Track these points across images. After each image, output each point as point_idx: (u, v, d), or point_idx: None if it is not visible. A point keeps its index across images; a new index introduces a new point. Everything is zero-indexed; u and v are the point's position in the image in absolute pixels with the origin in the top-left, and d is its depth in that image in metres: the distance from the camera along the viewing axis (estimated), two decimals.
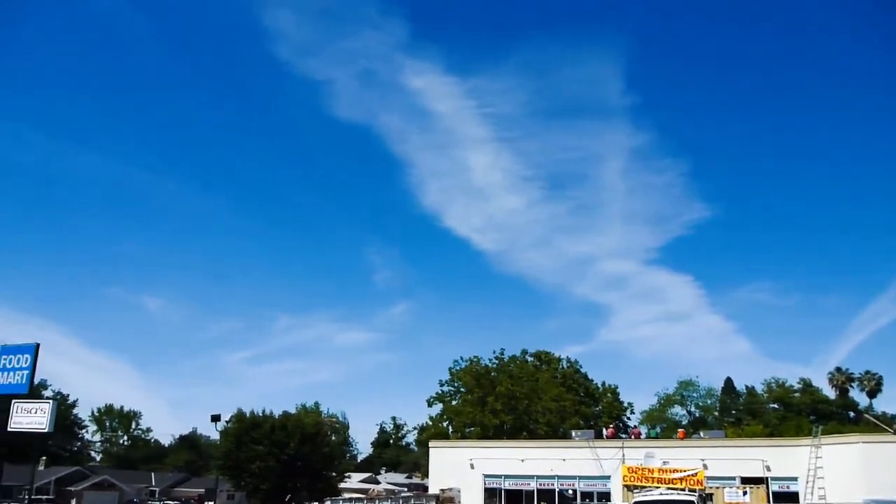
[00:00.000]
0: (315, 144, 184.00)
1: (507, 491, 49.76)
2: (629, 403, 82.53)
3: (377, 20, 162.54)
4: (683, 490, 37.61)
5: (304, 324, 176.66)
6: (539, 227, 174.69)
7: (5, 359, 25.95)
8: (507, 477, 49.97)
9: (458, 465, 50.82)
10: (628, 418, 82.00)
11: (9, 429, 25.04)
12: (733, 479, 43.76)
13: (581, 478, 48.04)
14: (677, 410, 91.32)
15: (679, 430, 63.19)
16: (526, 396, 70.76)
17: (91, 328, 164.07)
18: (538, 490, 48.62)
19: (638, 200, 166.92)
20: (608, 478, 47.00)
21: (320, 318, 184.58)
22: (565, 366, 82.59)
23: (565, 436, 58.77)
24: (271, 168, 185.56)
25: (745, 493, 42.60)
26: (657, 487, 37.47)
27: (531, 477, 49.06)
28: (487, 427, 69.55)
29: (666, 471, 44.47)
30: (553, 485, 48.48)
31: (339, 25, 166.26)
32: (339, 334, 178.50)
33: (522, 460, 49.47)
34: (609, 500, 46.01)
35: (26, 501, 56.00)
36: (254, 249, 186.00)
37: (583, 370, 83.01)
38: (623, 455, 46.91)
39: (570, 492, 48.78)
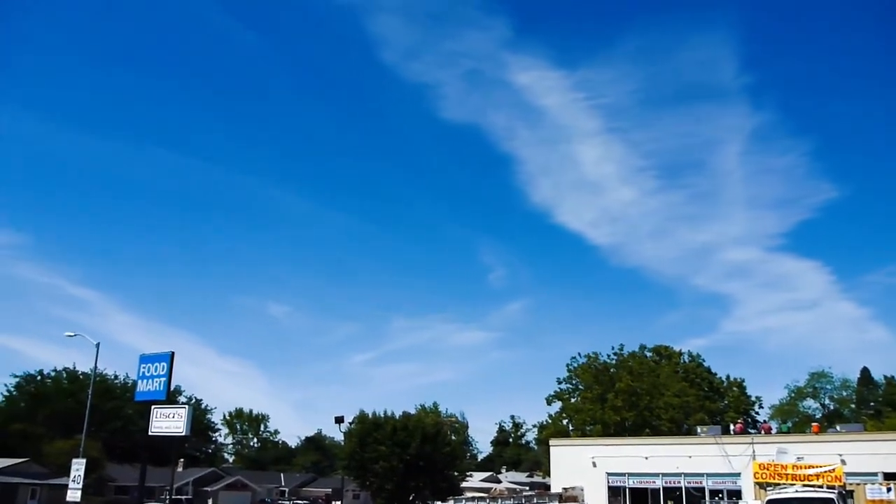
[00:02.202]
0: (424, 147, 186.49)
1: (631, 489, 48.69)
2: (757, 397, 79.28)
3: (481, 20, 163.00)
4: (821, 487, 35.70)
5: (421, 325, 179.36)
6: (655, 218, 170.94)
7: (144, 367, 27.45)
8: (630, 475, 48.90)
9: (580, 464, 50.13)
10: (757, 413, 78.75)
11: (150, 433, 26.42)
12: (875, 475, 41.17)
13: (709, 475, 46.39)
14: (810, 403, 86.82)
15: (813, 423, 60.15)
16: (647, 392, 69.16)
17: (221, 336, 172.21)
18: (664, 488, 47.31)
19: (759, 184, 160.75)
20: (738, 475, 45.20)
21: (436, 318, 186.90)
22: (687, 360, 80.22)
23: (690, 432, 57.04)
24: (383, 172, 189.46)
25: (889, 489, 40.02)
26: (792, 484, 35.72)
27: (656, 475, 47.80)
28: (608, 424, 68.41)
29: (800, 467, 42.32)
30: (679, 482, 47.04)
31: (442, 28, 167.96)
32: (455, 334, 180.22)
33: (646, 458, 48.27)
34: (740, 499, 44.28)
35: (167, 501, 59.28)
36: (370, 253, 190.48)
37: (706, 364, 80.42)
38: (753, 451, 45.00)
39: (695, 490, 47.22)
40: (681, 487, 46.89)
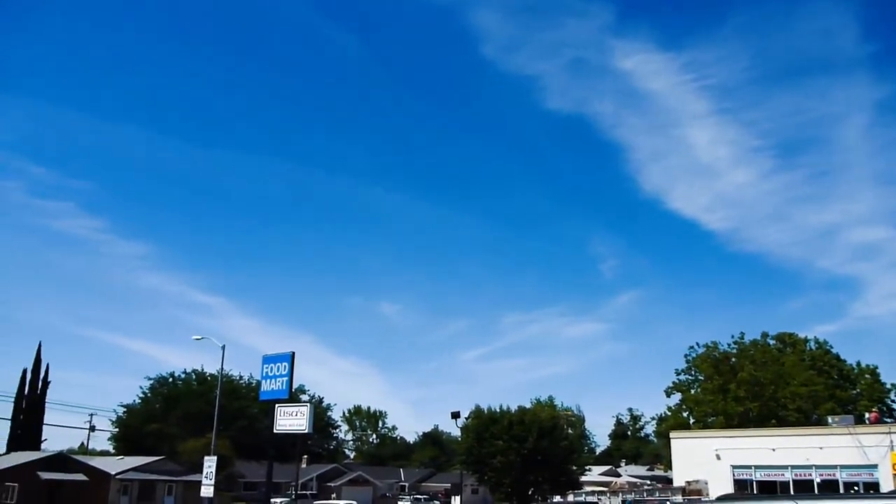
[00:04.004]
0: (530, 140, 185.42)
1: (758, 482, 46.94)
2: (892, 384, 74.67)
3: (581, 7, 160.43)
4: None
5: (531, 319, 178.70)
6: (774, 200, 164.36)
7: (267, 367, 28.42)
8: (757, 467, 47.18)
9: (703, 456, 48.73)
10: (893, 401, 74.22)
11: (275, 431, 27.33)
12: None
13: (843, 467, 44.18)
14: None
15: None
16: (771, 382, 66.38)
17: (336, 335, 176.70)
18: (794, 481, 45.34)
19: (888, 159, 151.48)
20: (875, 467, 42.85)
21: (547, 312, 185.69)
22: (813, 347, 76.58)
23: (820, 422, 54.48)
24: (490, 167, 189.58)
25: None
26: None
27: (784, 467, 45.93)
28: (731, 416, 66.11)
29: None
30: (811, 475, 45.00)
31: (542, 19, 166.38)
32: (567, 327, 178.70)
33: (773, 450, 46.45)
34: (878, 491, 41.90)
35: (293, 496, 61.32)
36: (479, 248, 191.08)
37: (834, 351, 76.51)
38: (891, 442, 42.55)
39: (828, 483, 44.97)
40: (812, 480, 44.84)
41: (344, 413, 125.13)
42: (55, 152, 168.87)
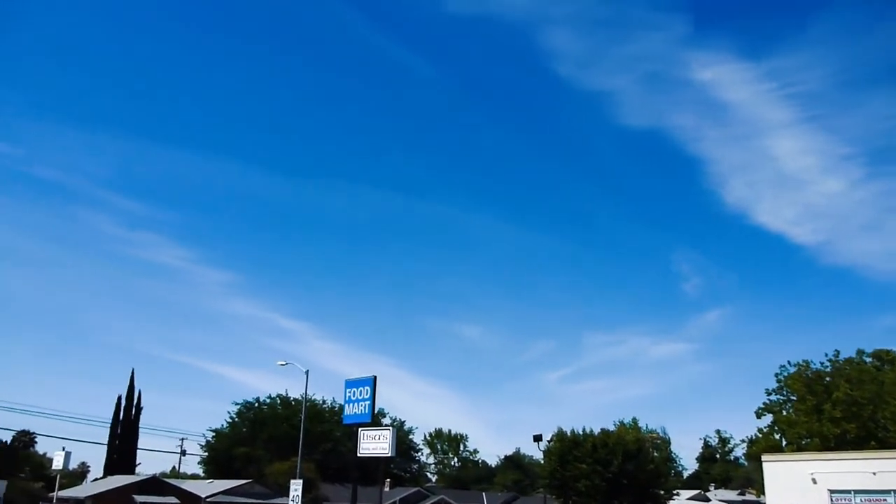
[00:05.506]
0: (607, 156, 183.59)
1: None
2: None
3: (655, 20, 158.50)
4: None
5: (615, 339, 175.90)
6: (867, 210, 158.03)
7: (349, 391, 28.78)
8: (857, 492, 44.89)
9: (798, 481, 46.73)
10: None
11: (358, 454, 27.57)
12: None
13: None
14: None
15: None
16: (869, 402, 63.32)
17: (417, 358, 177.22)
18: None
19: None
20: None
21: (631, 332, 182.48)
22: None
23: None
24: (566, 186, 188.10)
25: None
26: None
27: (887, 492, 43.54)
28: (827, 438, 63.32)
29: None
30: None
31: (614, 33, 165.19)
32: (652, 347, 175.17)
33: (874, 473, 44.16)
34: None
35: None
36: (560, 269, 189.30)
37: None
38: None
39: None
40: None
41: (425, 436, 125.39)
42: (144, 185, 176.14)
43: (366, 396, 28.03)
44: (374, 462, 51.31)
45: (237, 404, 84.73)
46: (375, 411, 29.57)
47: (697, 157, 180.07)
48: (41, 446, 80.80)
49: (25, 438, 76.03)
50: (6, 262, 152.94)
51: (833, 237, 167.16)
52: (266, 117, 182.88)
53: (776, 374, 73.00)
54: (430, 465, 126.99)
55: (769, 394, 73.61)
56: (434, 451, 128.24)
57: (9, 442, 73.75)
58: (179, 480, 66.20)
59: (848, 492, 45.16)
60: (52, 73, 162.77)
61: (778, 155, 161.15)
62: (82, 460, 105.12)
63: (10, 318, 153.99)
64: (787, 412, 71.73)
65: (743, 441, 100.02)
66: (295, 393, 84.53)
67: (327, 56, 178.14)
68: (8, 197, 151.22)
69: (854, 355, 71.18)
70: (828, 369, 69.75)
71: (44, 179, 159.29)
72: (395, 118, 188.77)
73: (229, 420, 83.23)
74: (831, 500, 45.50)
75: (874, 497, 44.21)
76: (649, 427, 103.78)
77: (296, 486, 37.50)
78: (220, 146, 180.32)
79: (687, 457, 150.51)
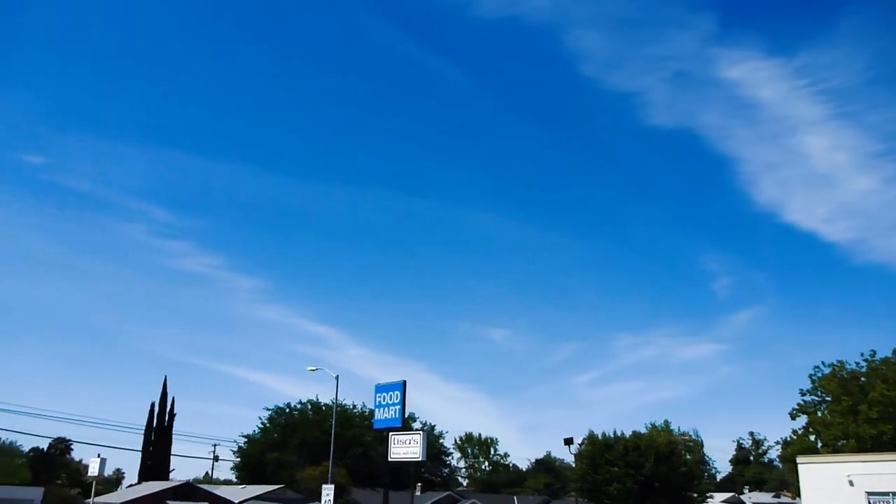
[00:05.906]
0: (635, 157, 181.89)
1: None
2: None
3: (682, 18, 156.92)
4: None
5: (645, 341, 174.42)
6: None
7: (380, 396, 28.93)
8: (895, 494, 44.16)
9: (835, 483, 45.99)
10: None
11: (389, 459, 27.65)
12: None
13: None
14: None
15: None
16: None
17: (445, 362, 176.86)
18: None
19: None
20: None
21: (661, 333, 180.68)
22: None
23: None
24: (594, 187, 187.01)
25: None
26: None
27: None
28: (863, 439, 62.27)
29: None
30: None
31: (641, 33, 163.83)
32: (682, 349, 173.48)
33: None
34: None
35: None
36: (588, 271, 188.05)
37: None
38: None
39: None
40: None
41: (455, 440, 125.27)
42: (172, 193, 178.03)
43: (396, 401, 28.14)
44: (405, 467, 51.38)
45: (268, 410, 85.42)
46: (406, 415, 29.61)
47: (727, 156, 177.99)
48: (77, 453, 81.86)
49: (61, 446, 77.09)
50: (40, 273, 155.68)
51: (866, 235, 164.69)
52: (294, 125, 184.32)
53: (810, 375, 71.97)
54: (460, 469, 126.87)
55: (803, 395, 72.61)
56: (464, 455, 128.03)
57: (45, 449, 74.87)
58: (212, 486, 66.73)
59: (886, 494, 44.34)
60: (64, 78, 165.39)
61: (809, 153, 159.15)
62: (117, 467, 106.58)
63: (47, 328, 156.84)
64: (823, 413, 70.66)
65: (777, 443, 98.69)
66: (325, 398, 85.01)
67: (361, 68, 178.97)
68: (37, 207, 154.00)
69: (890, 355, 70.00)
70: (863, 369, 68.59)
71: (72, 189, 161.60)
72: (423, 125, 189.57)
73: (261, 426, 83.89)
74: (868, 502, 44.71)
75: None
76: (681, 429, 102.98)
77: (327, 491, 37.68)
78: (247, 155, 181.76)
79: (720, 459, 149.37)
